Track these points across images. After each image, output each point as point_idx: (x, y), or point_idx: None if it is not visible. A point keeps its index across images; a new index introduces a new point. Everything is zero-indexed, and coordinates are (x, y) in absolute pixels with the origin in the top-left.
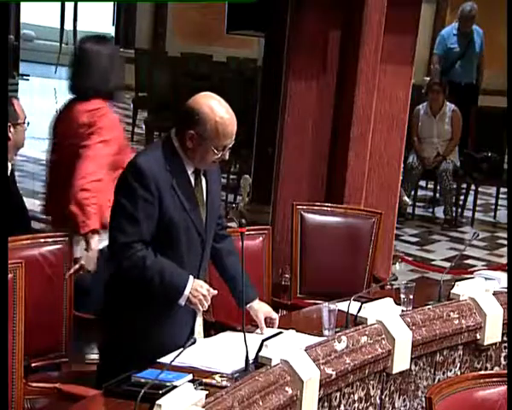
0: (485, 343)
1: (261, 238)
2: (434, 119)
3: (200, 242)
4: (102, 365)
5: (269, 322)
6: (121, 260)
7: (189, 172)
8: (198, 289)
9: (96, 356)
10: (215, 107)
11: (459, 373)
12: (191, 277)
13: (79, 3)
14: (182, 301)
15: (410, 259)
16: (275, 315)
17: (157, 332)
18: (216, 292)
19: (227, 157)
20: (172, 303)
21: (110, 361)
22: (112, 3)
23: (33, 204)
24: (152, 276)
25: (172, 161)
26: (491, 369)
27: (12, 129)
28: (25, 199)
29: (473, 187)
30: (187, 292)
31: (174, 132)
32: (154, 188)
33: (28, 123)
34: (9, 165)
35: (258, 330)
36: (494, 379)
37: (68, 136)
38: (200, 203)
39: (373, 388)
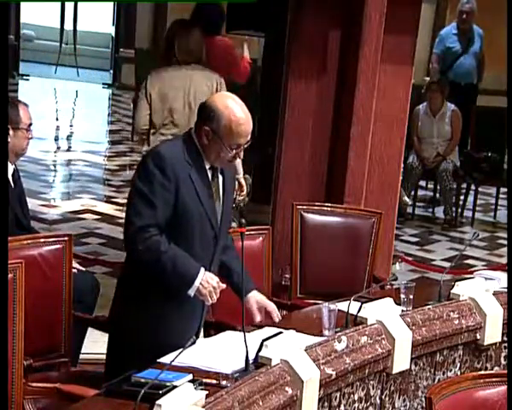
0: (485, 343)
1: (261, 238)
2: (434, 119)
3: (213, 236)
4: (109, 360)
5: (266, 314)
6: (136, 243)
7: (207, 168)
8: (208, 281)
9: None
10: (230, 105)
11: (459, 373)
12: (202, 268)
13: (79, 3)
14: (191, 292)
15: (410, 259)
16: (271, 307)
17: (165, 327)
18: (225, 286)
19: (241, 156)
20: (181, 293)
21: (117, 357)
22: (112, 3)
23: (33, 204)
24: (165, 261)
25: (191, 153)
26: (491, 369)
27: (11, 132)
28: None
29: (473, 187)
30: (197, 283)
31: (194, 129)
32: (173, 175)
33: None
34: (10, 166)
35: (258, 330)
36: (494, 379)
37: None
38: (215, 198)
39: (373, 388)
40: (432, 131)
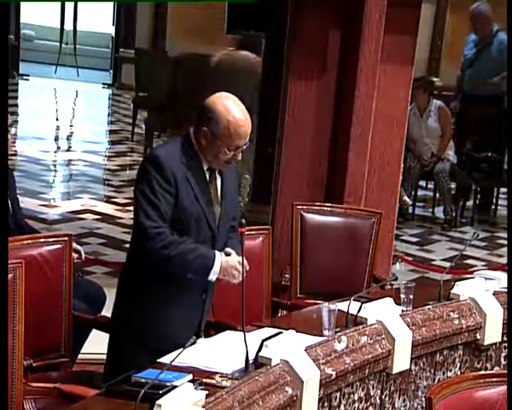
0: (485, 343)
1: (261, 238)
2: (422, 118)
3: (210, 237)
4: (110, 357)
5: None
6: (153, 243)
7: (205, 169)
8: (229, 262)
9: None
10: (229, 106)
11: (459, 373)
12: (217, 252)
13: (79, 3)
14: (213, 276)
15: (410, 259)
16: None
17: (165, 324)
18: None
19: (239, 158)
20: (202, 280)
21: (118, 353)
22: (112, 3)
23: (33, 204)
24: (185, 253)
25: (188, 155)
26: (491, 369)
27: None
28: (25, 199)
29: (473, 187)
30: (217, 267)
31: (192, 129)
32: (171, 177)
33: (16, 121)
34: None
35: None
36: (494, 379)
37: None
38: (214, 199)
39: (373, 388)
40: (421, 131)
